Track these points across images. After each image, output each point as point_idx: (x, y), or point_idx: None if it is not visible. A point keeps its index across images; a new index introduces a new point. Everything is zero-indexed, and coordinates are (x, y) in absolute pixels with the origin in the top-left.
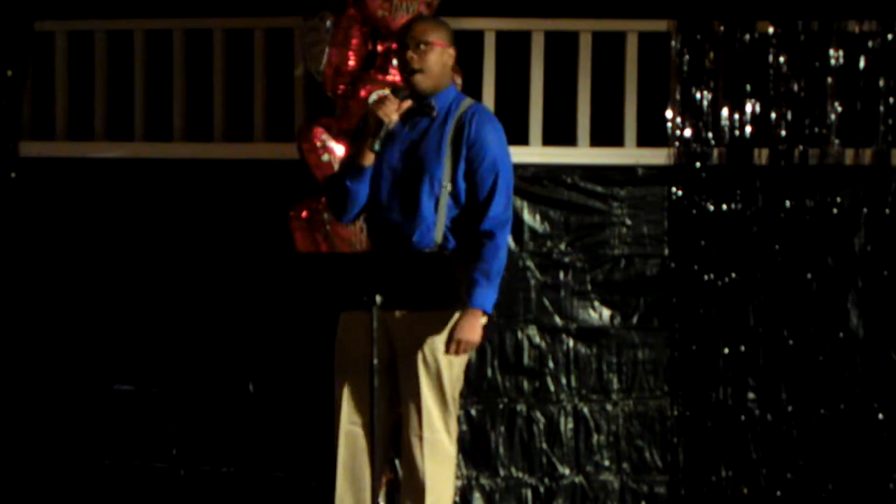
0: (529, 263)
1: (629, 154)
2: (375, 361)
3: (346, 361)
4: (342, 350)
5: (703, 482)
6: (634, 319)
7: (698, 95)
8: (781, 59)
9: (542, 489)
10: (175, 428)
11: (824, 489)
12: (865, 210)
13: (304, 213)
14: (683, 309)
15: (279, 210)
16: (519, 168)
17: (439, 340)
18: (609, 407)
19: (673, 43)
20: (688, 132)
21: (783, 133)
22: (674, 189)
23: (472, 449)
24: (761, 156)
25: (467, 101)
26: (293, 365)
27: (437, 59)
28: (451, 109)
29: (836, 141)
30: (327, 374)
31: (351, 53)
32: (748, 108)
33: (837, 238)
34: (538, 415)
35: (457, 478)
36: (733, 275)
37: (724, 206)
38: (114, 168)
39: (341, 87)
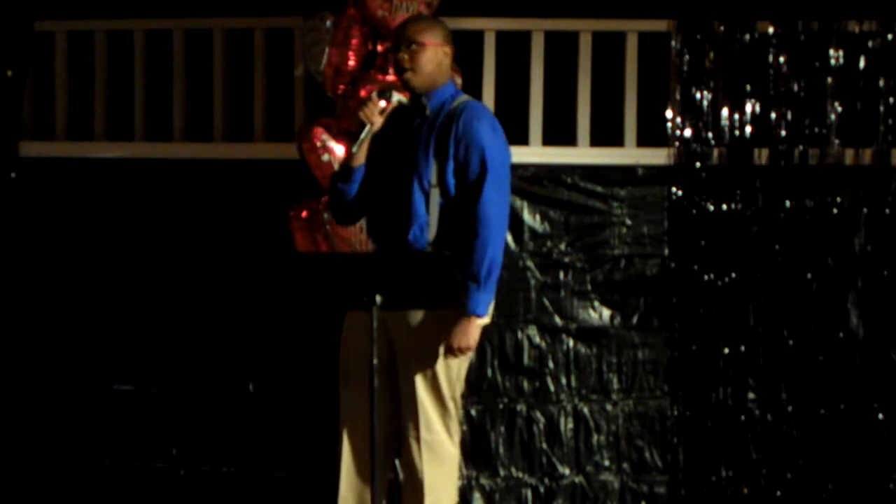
0: (529, 263)
1: (629, 154)
2: (375, 361)
3: (349, 362)
4: (346, 350)
5: (703, 482)
6: (634, 319)
7: (698, 95)
8: (781, 59)
9: (542, 489)
10: (175, 428)
11: (824, 489)
12: (865, 210)
13: (304, 213)
14: (683, 309)
15: (279, 210)
16: (519, 168)
17: (436, 341)
18: (609, 407)
19: (673, 43)
20: (688, 132)
21: (783, 133)
22: (674, 189)
23: (472, 449)
24: (761, 156)
25: (461, 99)
26: (293, 365)
27: (430, 58)
28: (445, 107)
29: (836, 141)
30: (327, 374)
31: (351, 53)
32: (748, 108)
33: (837, 238)
34: (538, 415)
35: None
36: (733, 275)
37: (724, 206)
38: (114, 168)
39: (341, 87)
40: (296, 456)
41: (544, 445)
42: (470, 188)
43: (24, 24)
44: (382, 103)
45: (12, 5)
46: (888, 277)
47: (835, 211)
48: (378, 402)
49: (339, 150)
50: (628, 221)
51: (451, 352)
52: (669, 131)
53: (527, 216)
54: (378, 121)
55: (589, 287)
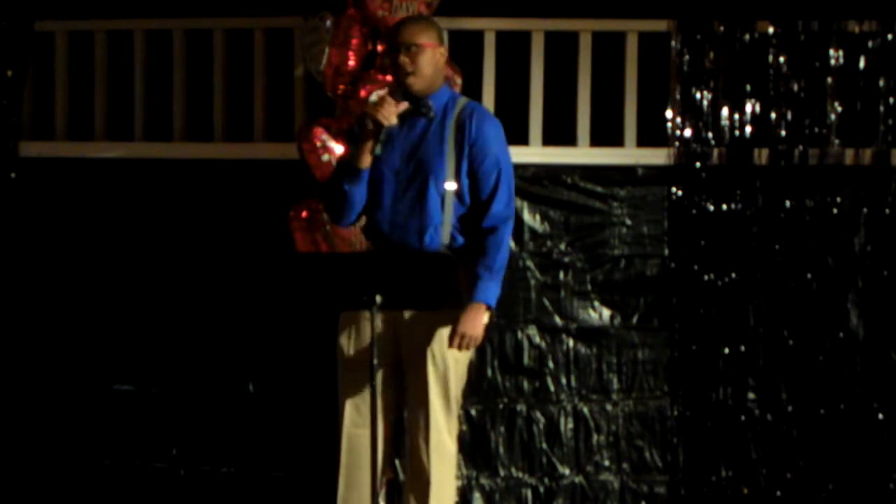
0: (529, 263)
1: (629, 154)
2: (375, 361)
3: (348, 362)
4: (344, 351)
5: (703, 482)
6: (634, 319)
7: (698, 95)
8: (781, 59)
9: (542, 489)
10: (175, 428)
11: (824, 489)
12: (865, 210)
13: (304, 213)
14: (683, 309)
15: (279, 210)
16: (519, 168)
17: (447, 342)
18: (609, 407)
19: (673, 43)
20: (688, 132)
21: (783, 133)
22: (674, 189)
23: (472, 449)
24: (761, 156)
25: (463, 100)
26: (293, 365)
27: (429, 60)
28: (448, 108)
29: (836, 141)
30: (327, 374)
31: (351, 53)
32: (748, 108)
33: (837, 238)
34: (538, 415)
35: (457, 478)
36: (733, 275)
37: (724, 206)
38: (114, 168)
39: (341, 87)
40: (296, 456)
41: (544, 445)
42: (485, 189)
43: (24, 24)
44: (395, 102)
45: (12, 5)
46: (888, 277)
47: (835, 211)
48: (380, 402)
49: (339, 149)
50: (628, 221)
51: (458, 341)
52: (669, 131)
53: (527, 216)
54: (395, 121)
55: (589, 287)
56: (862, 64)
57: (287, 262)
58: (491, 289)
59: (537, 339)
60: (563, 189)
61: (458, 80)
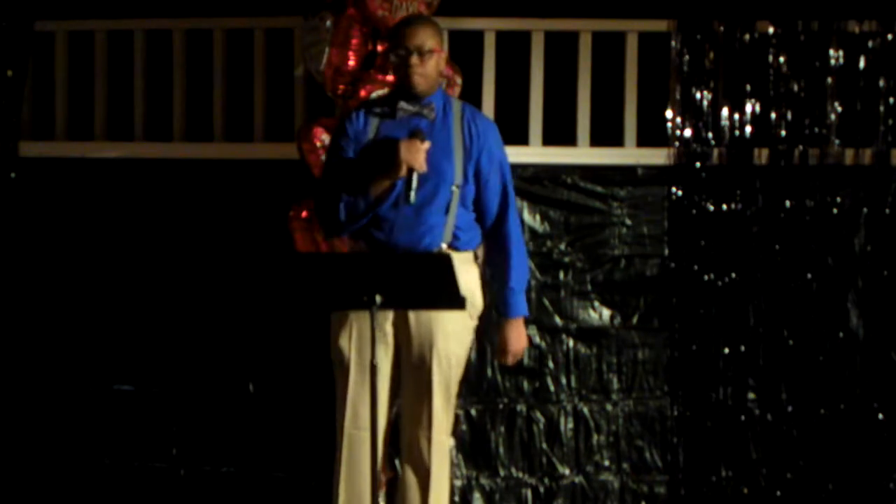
0: (530, 263)
1: (629, 154)
2: (375, 361)
3: (347, 363)
4: (344, 351)
5: (703, 482)
6: (634, 319)
7: (698, 95)
8: (781, 59)
9: (542, 489)
10: (175, 428)
11: (824, 489)
12: (865, 210)
13: (304, 213)
14: (683, 309)
15: (279, 210)
16: (519, 168)
17: (453, 342)
18: (609, 407)
19: (673, 43)
20: (688, 132)
21: (783, 133)
22: (674, 189)
23: (472, 449)
24: (761, 156)
25: (458, 102)
26: (293, 365)
27: (436, 64)
28: (447, 110)
29: (836, 141)
30: (327, 375)
31: (351, 53)
32: (748, 108)
33: (837, 238)
34: (538, 415)
35: (456, 478)
36: (733, 275)
37: (724, 206)
38: (114, 168)
39: (341, 87)
40: (296, 456)
41: (544, 445)
42: (494, 194)
43: (24, 24)
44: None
45: (12, 5)
46: (888, 277)
47: (835, 211)
48: (379, 402)
49: None
50: (628, 221)
51: (508, 358)
52: (669, 131)
53: (527, 216)
54: (426, 170)
55: (589, 287)
56: (862, 64)
57: (287, 262)
58: (524, 300)
59: (537, 339)
60: (563, 189)
61: (458, 80)
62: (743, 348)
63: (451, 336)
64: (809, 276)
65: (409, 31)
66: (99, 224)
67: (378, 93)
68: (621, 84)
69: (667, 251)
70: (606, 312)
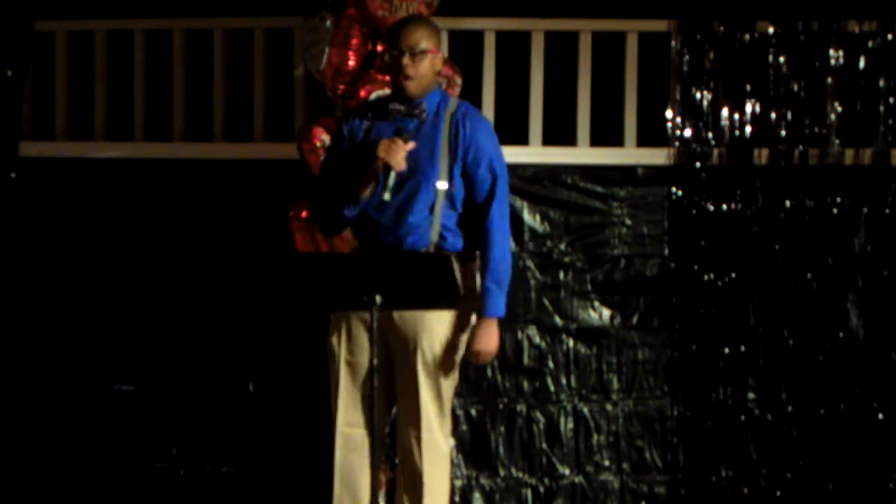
0: (529, 263)
1: (629, 154)
2: (375, 361)
3: (340, 362)
4: (335, 351)
5: (703, 482)
6: (634, 319)
7: (698, 95)
8: (781, 59)
9: (542, 489)
10: (175, 428)
11: (824, 489)
12: (865, 210)
13: (304, 213)
14: (683, 309)
15: (279, 210)
16: (519, 168)
17: (437, 341)
18: (609, 407)
19: (673, 43)
20: (688, 132)
21: (783, 133)
22: (674, 189)
23: (472, 449)
24: (761, 156)
25: (455, 101)
26: (293, 365)
27: (430, 65)
28: (441, 110)
29: (836, 141)
30: (327, 375)
31: (351, 53)
32: (748, 108)
33: (837, 238)
34: (538, 415)
35: (456, 478)
36: (733, 275)
37: (724, 206)
38: (114, 168)
39: (341, 87)
40: (296, 456)
41: (544, 445)
42: (481, 192)
43: (24, 24)
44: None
45: (12, 5)
46: (888, 277)
47: (835, 211)
48: (377, 402)
49: None
50: (628, 221)
51: (476, 358)
52: (669, 131)
53: (527, 216)
54: (405, 166)
55: (589, 287)
56: (862, 64)
57: (287, 262)
58: (501, 301)
59: (537, 339)
60: (563, 189)
61: (458, 80)
62: (743, 348)
63: (437, 335)
64: (809, 276)
65: (401, 31)
66: (99, 224)
67: (378, 93)
68: (621, 84)
69: (667, 251)
70: (606, 312)
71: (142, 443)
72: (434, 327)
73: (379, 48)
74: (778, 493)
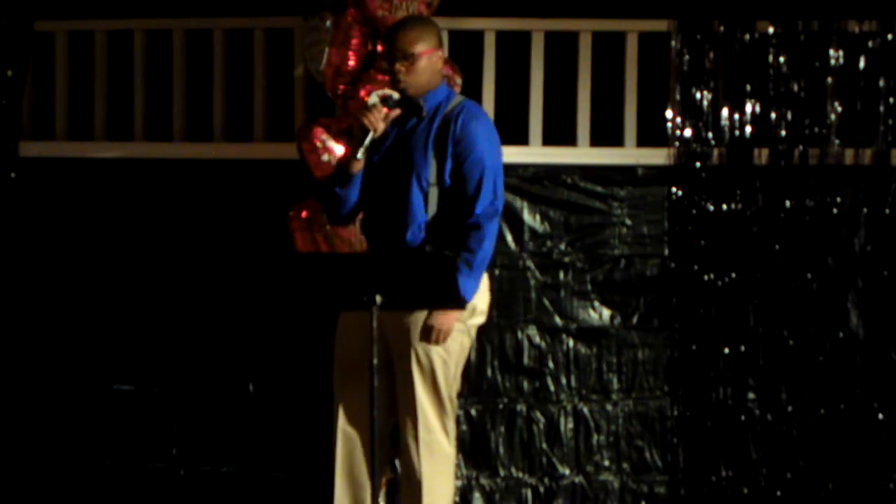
0: (529, 263)
1: (629, 154)
2: (375, 361)
3: (344, 361)
4: (342, 350)
5: (703, 482)
6: (634, 319)
7: (698, 95)
8: (781, 59)
9: (542, 489)
10: (175, 428)
11: (824, 489)
12: (865, 210)
13: (304, 213)
14: (683, 309)
15: (279, 210)
16: (519, 168)
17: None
18: (609, 407)
19: (673, 43)
20: (688, 132)
21: (783, 133)
22: (674, 189)
23: (472, 449)
24: (761, 156)
25: (457, 100)
26: (293, 365)
27: (425, 66)
28: (441, 107)
29: (836, 141)
30: (327, 374)
31: (351, 53)
32: (748, 108)
33: (837, 238)
34: (538, 415)
35: (457, 478)
36: (733, 275)
37: (724, 206)
38: (114, 168)
39: (341, 87)
40: (296, 456)
41: (544, 445)
42: (468, 186)
43: (24, 24)
44: (385, 109)
45: (12, 5)
46: (888, 277)
47: (835, 211)
48: (377, 402)
49: (338, 150)
50: (628, 221)
51: (431, 335)
52: (669, 131)
53: (527, 216)
54: (381, 127)
55: (589, 287)
56: (862, 64)
57: (287, 262)
58: (469, 284)
59: (537, 339)
60: (563, 189)
61: (458, 80)
62: (743, 348)
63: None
64: (809, 276)
65: (394, 35)
66: (99, 224)
67: (379, 93)
68: (621, 84)
69: (667, 251)
70: (606, 312)
71: (142, 443)
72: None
73: (379, 48)
74: (778, 493)
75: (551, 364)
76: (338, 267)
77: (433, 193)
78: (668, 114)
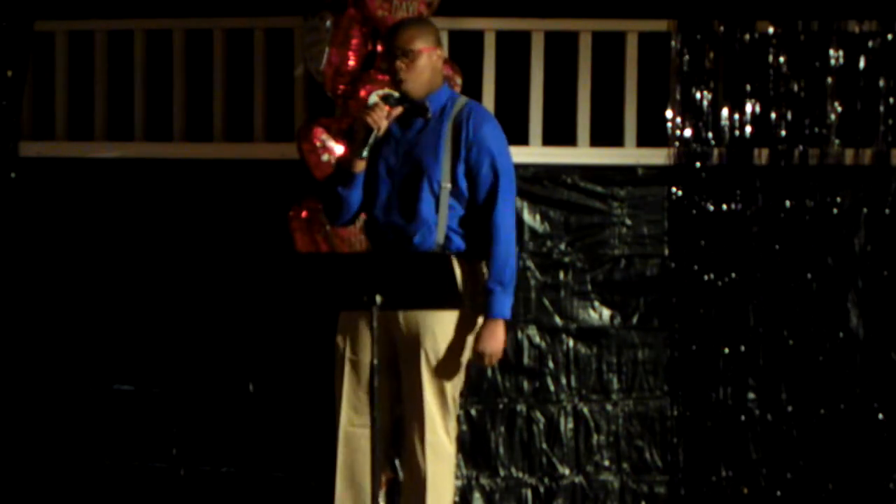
0: (529, 263)
1: (629, 154)
2: (375, 361)
3: (344, 361)
4: (340, 350)
5: (703, 482)
6: (634, 319)
7: (698, 95)
8: (781, 59)
9: (542, 489)
10: (175, 428)
11: (824, 489)
12: (865, 210)
13: (304, 213)
14: (683, 309)
15: (279, 210)
16: (519, 168)
17: (441, 341)
18: (609, 407)
19: (673, 43)
20: (688, 132)
21: (783, 133)
22: (674, 189)
23: (472, 449)
24: (761, 156)
25: (462, 100)
26: (293, 365)
27: (425, 64)
28: (447, 109)
29: (836, 141)
30: (327, 374)
31: (351, 53)
32: (748, 108)
33: (837, 238)
34: (538, 415)
35: (457, 478)
36: (733, 275)
37: (724, 206)
38: (114, 168)
39: (341, 87)
40: (296, 456)
41: (544, 445)
42: (482, 192)
43: (24, 24)
44: (387, 108)
45: (12, 5)
46: (888, 277)
47: (835, 211)
48: (379, 402)
49: (339, 149)
50: (628, 221)
51: (482, 359)
52: (669, 131)
53: (527, 216)
54: (385, 125)
55: (589, 287)
56: (862, 64)
57: (287, 262)
58: (505, 302)
59: (537, 339)
60: (563, 189)
61: (458, 80)
62: (743, 348)
63: (441, 335)
64: (809, 276)
65: (393, 34)
66: (99, 224)
67: (379, 93)
68: (621, 84)
69: (667, 251)
70: (606, 312)
71: (142, 443)
72: (438, 328)
73: (379, 48)
74: (778, 493)
75: (551, 364)
76: (338, 267)
77: (445, 195)
78: (668, 114)
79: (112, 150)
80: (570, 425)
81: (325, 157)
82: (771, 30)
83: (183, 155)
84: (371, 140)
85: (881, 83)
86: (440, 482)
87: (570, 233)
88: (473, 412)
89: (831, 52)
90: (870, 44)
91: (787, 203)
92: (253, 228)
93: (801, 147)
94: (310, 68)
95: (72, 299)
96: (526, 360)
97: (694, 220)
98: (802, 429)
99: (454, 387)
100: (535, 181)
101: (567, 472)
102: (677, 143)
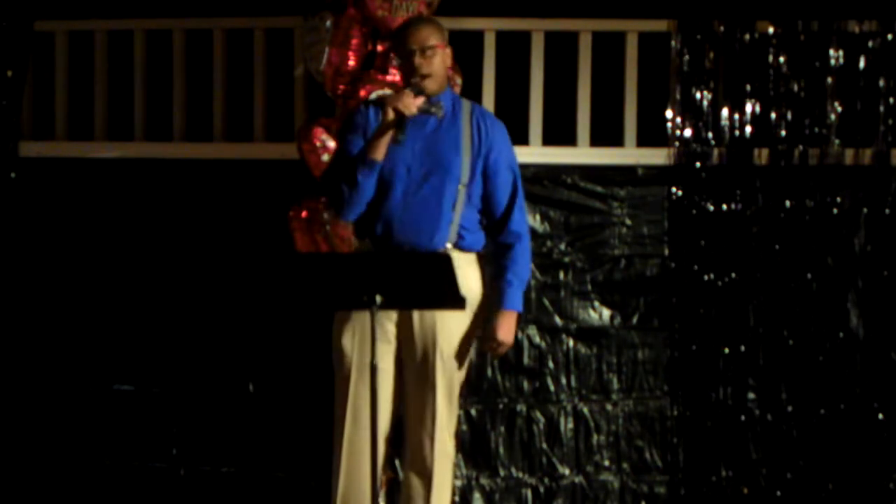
0: (530, 264)
1: (629, 154)
2: (376, 361)
3: (349, 363)
4: (346, 351)
5: (703, 482)
6: (634, 319)
7: (698, 95)
8: (781, 59)
9: (542, 489)
10: (175, 428)
11: (824, 489)
12: (865, 210)
13: (303, 213)
14: (683, 309)
15: (279, 210)
16: (519, 168)
17: (455, 340)
18: (609, 407)
19: (673, 43)
20: (688, 132)
21: (783, 133)
22: (674, 189)
23: (472, 449)
24: (761, 156)
25: (467, 101)
26: (293, 365)
27: (442, 61)
28: (456, 108)
29: (836, 141)
30: (327, 374)
31: (351, 53)
32: (748, 108)
33: (837, 238)
34: (538, 415)
35: (456, 478)
36: (733, 275)
37: (724, 206)
38: (114, 168)
39: (341, 87)
40: (296, 456)
41: (544, 445)
42: (503, 193)
43: (24, 24)
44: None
45: (12, 5)
46: (888, 277)
47: (835, 211)
48: (381, 402)
49: None
50: (628, 221)
51: (495, 348)
52: (669, 131)
53: (527, 216)
54: (415, 111)
55: (589, 287)
56: (862, 64)
57: (287, 262)
58: (520, 296)
59: (537, 339)
60: (563, 189)
61: (459, 80)
62: (743, 348)
63: (455, 335)
64: (809, 276)
65: (409, 31)
66: (99, 224)
67: (378, 93)
68: (621, 84)
69: (667, 251)
70: (606, 312)
71: (142, 443)
72: (453, 327)
73: (379, 48)
74: (778, 493)
75: (551, 364)
76: (338, 267)
77: (462, 193)
78: (668, 114)
79: (112, 150)
80: (570, 425)
81: (325, 157)
82: (771, 30)
83: (183, 155)
84: (406, 125)
85: (881, 83)
86: (444, 481)
87: (570, 233)
88: (473, 412)
89: (831, 52)
90: (870, 44)
91: (787, 203)
92: (253, 228)
93: (801, 147)
94: (310, 68)
95: (72, 299)
96: (526, 360)
97: (694, 220)
98: (802, 429)
99: (459, 385)
100: (535, 181)
101: (567, 472)
102: (677, 143)
